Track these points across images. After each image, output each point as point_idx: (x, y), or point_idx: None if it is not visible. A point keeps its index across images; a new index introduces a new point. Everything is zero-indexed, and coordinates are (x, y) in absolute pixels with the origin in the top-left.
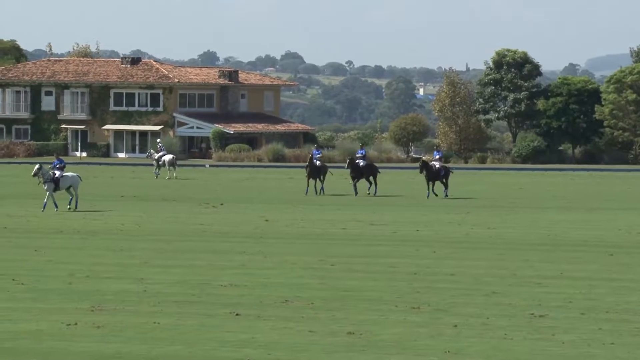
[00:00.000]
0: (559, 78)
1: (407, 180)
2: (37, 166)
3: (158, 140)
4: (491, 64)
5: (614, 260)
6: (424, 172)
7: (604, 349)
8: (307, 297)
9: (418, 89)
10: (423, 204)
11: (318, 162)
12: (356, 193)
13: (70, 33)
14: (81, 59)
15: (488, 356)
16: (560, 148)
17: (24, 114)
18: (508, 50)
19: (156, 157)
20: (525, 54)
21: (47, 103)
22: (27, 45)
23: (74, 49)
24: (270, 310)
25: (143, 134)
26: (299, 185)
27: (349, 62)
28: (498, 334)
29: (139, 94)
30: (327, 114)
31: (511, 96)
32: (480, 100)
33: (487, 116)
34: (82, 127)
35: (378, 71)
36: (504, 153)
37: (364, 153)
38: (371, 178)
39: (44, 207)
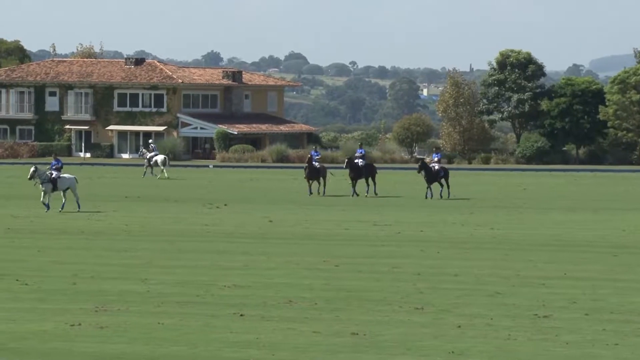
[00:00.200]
0: (563, 79)
1: (411, 181)
2: (32, 168)
3: (150, 140)
4: (495, 64)
5: (618, 260)
6: (422, 172)
7: (608, 350)
8: (311, 298)
9: (422, 90)
10: (427, 205)
11: (317, 164)
12: (354, 193)
13: (74, 34)
14: (85, 59)
15: (492, 357)
16: (564, 149)
17: (27, 115)
18: (512, 51)
19: (148, 157)
20: (529, 54)
21: (51, 104)
22: (30, 46)
23: (77, 49)
24: (274, 311)
25: (147, 134)
26: (302, 186)
27: (353, 63)
28: (502, 334)
29: (142, 94)
30: (331, 114)
31: (515, 97)
32: (484, 100)
33: (491, 117)
34: (86, 127)
35: (382, 72)
36: (507, 154)
37: (363, 152)
38: (370, 179)
39: (48, 208)
